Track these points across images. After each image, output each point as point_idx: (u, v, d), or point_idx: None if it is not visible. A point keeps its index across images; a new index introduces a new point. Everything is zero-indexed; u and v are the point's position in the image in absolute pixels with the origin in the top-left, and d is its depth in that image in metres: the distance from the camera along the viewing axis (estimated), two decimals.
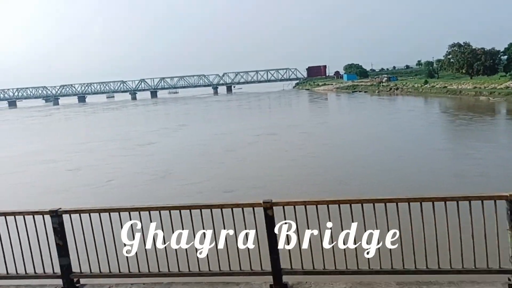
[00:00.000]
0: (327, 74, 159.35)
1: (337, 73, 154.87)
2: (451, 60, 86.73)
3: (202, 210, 5.52)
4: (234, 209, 5.43)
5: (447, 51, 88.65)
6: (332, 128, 40.49)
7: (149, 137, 40.85)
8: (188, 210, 5.54)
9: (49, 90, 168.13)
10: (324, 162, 23.59)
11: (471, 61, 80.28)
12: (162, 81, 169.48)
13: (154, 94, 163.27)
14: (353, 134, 34.43)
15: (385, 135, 32.70)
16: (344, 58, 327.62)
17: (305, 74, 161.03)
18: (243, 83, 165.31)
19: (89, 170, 26.15)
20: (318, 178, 19.79)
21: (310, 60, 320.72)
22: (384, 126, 38.40)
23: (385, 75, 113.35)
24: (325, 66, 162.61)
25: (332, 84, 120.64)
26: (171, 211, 5.58)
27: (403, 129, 36.03)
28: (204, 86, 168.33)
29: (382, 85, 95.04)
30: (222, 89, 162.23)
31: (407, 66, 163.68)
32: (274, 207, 5.30)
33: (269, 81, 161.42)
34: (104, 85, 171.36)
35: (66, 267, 5.81)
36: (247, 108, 79.32)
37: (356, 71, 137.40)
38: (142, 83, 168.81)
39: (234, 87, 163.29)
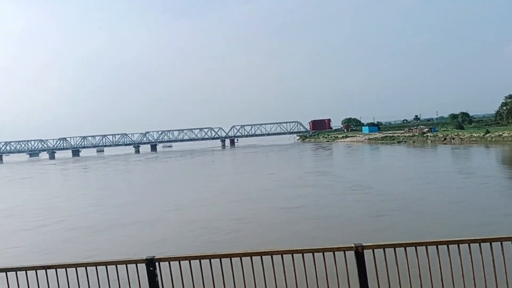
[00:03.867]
0: (331, 127, 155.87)
1: (347, 125, 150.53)
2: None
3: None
4: None
5: (503, 102, 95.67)
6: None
7: None
8: None
9: (44, 143, 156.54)
10: None
11: None
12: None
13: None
14: None
15: None
16: (330, 113, 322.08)
17: (307, 127, 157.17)
18: (246, 136, 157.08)
19: None
20: None
21: (299, 115, 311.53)
22: None
23: (423, 126, 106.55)
24: (329, 120, 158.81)
25: (356, 136, 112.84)
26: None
27: None
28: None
29: (429, 136, 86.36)
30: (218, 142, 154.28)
31: (404, 120, 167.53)
32: None
33: (268, 134, 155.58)
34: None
35: None
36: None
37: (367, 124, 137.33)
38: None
39: (237, 140, 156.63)
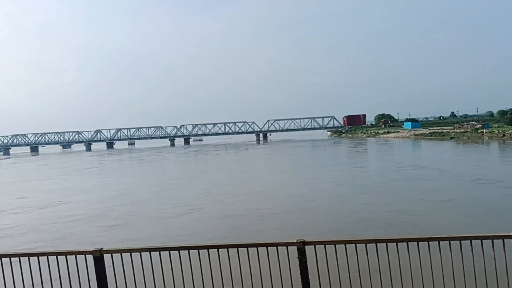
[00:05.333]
0: (366, 123, 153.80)
1: (385, 121, 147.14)
2: None
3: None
4: None
5: None
6: None
7: None
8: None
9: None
10: None
11: None
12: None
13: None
14: None
15: None
16: (357, 108, 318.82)
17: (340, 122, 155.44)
18: (281, 130, 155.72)
19: None
20: None
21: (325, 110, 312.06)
22: None
23: (474, 122, 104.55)
24: (364, 115, 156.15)
25: (400, 132, 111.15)
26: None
27: None
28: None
29: (484, 132, 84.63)
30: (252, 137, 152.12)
31: (441, 117, 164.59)
32: None
33: (303, 129, 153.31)
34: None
35: None
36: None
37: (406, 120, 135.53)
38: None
39: (269, 134, 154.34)
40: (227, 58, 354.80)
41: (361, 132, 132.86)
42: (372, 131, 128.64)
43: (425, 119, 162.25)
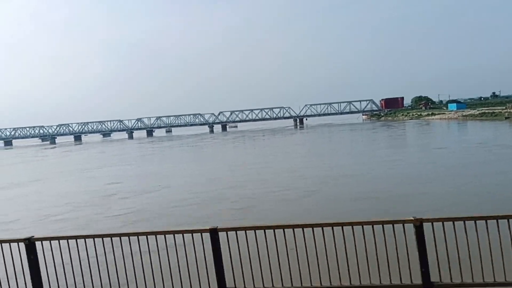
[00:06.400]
0: (404, 105, 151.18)
1: (425, 103, 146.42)
2: None
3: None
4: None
5: None
6: None
7: None
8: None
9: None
10: None
11: None
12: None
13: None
14: None
15: None
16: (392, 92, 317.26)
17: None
18: (319, 115, 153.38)
19: None
20: None
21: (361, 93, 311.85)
22: None
23: None
24: (402, 98, 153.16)
25: (446, 113, 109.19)
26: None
27: None
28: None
29: None
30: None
31: (481, 98, 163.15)
32: None
33: (341, 113, 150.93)
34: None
35: None
36: None
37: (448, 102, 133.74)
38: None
39: (306, 119, 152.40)
40: (258, 45, 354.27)
41: (402, 115, 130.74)
42: (414, 114, 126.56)
43: (465, 100, 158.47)
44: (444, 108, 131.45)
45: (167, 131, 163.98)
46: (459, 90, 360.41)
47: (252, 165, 38.64)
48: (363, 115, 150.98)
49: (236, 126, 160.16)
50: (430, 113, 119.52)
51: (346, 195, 22.13)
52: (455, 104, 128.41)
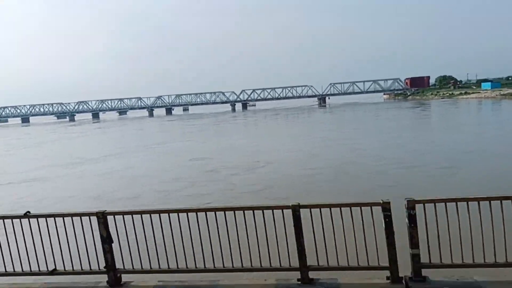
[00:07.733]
0: (430, 85, 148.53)
1: (454, 82, 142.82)
2: None
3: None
4: None
5: None
6: None
7: None
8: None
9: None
10: None
11: None
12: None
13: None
14: None
15: None
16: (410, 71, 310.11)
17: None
18: (344, 93, 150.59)
19: None
20: None
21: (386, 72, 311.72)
22: None
23: None
24: (428, 77, 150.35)
25: (482, 92, 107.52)
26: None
27: None
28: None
29: None
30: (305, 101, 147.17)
31: (509, 77, 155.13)
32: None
33: (367, 92, 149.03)
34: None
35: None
36: None
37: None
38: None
39: (329, 98, 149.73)
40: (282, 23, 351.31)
41: (432, 94, 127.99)
42: (446, 93, 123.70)
43: (494, 80, 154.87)
44: (474, 87, 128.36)
45: (184, 110, 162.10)
46: (484, 70, 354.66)
47: (339, 141, 36.47)
48: (384, 94, 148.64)
49: (255, 105, 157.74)
50: (463, 92, 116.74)
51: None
52: (489, 83, 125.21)
